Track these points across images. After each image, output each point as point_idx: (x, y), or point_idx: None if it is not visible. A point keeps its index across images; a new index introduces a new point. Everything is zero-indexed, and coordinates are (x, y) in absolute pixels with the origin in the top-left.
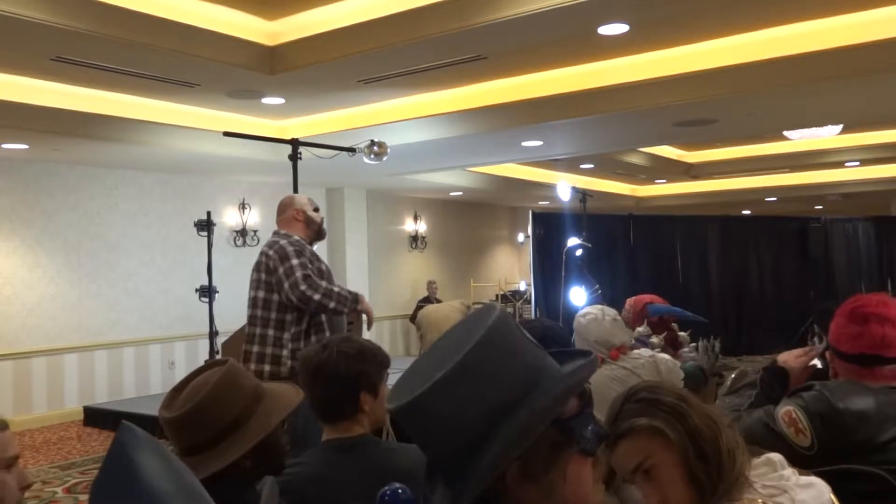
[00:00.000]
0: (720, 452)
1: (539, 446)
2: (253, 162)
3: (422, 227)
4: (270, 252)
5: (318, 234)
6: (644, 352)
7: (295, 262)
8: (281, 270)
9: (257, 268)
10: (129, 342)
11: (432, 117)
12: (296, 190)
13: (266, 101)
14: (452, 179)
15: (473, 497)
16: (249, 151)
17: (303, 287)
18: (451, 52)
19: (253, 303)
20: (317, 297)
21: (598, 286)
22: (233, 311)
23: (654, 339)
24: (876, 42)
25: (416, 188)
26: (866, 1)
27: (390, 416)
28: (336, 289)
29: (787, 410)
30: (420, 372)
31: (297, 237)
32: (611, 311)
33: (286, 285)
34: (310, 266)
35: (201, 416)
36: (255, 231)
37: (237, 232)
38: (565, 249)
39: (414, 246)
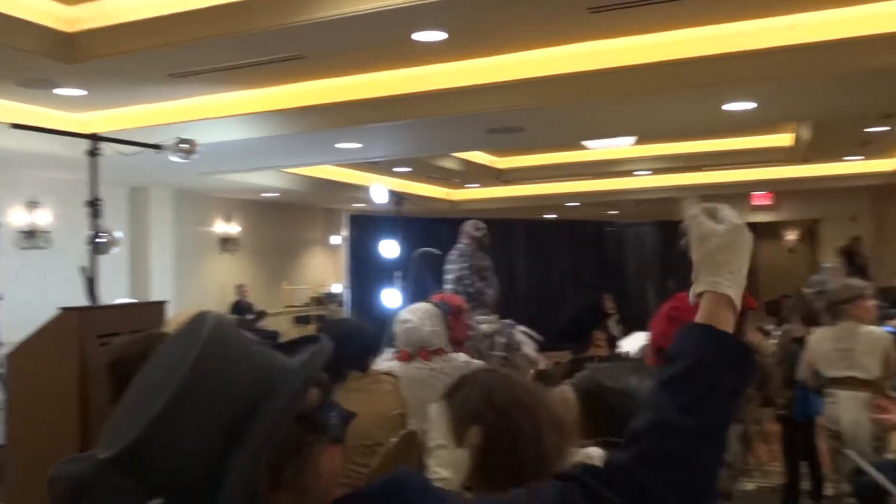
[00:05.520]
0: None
1: (286, 449)
2: (45, 157)
3: (234, 228)
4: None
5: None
6: (461, 355)
7: None
8: None
9: None
10: None
11: (247, 116)
12: (94, 187)
13: (61, 91)
14: (267, 180)
15: None
16: (42, 145)
17: None
18: (269, 49)
19: None
20: None
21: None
22: (20, 319)
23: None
24: (664, 62)
25: (229, 189)
26: (651, 25)
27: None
28: None
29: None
30: (137, 405)
31: None
32: (433, 316)
33: None
34: None
35: None
36: (46, 232)
37: (25, 233)
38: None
39: (225, 248)
